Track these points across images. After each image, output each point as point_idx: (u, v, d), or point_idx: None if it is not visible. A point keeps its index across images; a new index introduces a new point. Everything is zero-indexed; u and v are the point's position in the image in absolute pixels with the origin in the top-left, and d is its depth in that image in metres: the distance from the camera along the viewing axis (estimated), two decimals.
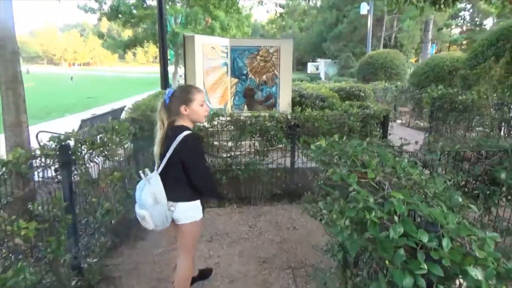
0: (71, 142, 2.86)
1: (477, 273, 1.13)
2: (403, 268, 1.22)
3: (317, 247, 3.36)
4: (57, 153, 2.67)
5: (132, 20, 18.18)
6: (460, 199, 1.45)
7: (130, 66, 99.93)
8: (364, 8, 21.00)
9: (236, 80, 6.59)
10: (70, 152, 2.74)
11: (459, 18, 40.36)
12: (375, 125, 4.65)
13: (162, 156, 2.29)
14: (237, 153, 4.59)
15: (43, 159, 2.60)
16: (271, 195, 4.71)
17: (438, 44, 33.37)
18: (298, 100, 7.80)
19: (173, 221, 2.37)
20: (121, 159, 4.06)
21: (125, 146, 3.96)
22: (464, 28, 41.07)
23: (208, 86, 6.19)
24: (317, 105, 6.83)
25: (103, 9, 17.57)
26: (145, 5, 17.75)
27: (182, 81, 16.95)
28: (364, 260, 1.54)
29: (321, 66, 29.98)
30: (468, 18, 40.83)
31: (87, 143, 3.05)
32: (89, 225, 3.32)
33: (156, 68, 8.95)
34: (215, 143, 4.60)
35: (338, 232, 1.46)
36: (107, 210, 3.19)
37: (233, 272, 3.13)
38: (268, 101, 6.63)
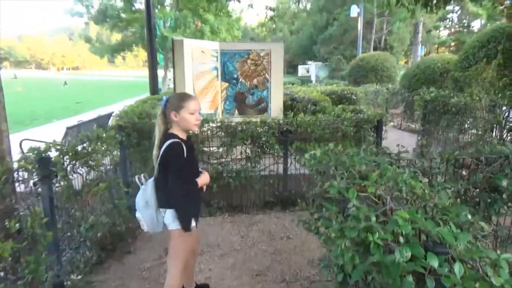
0: (53, 153, 2.72)
1: None
2: None
3: (313, 262, 3.24)
4: (37, 165, 2.52)
5: (120, 24, 17.98)
6: (469, 216, 1.34)
7: (120, 70, 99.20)
8: (354, 11, 21.05)
9: (227, 84, 6.47)
10: (50, 164, 2.58)
11: (447, 20, 40.78)
12: (369, 129, 4.56)
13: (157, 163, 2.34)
14: (228, 160, 4.46)
15: (21, 173, 2.44)
16: (264, 203, 4.59)
17: (427, 46, 33.67)
18: (290, 104, 7.71)
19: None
20: (108, 167, 3.91)
21: (111, 155, 3.81)
22: (452, 30, 41.51)
23: (198, 91, 6.05)
24: (309, 109, 6.73)
25: (90, 13, 17.32)
26: (133, 9, 17.55)
27: (171, 85, 16.78)
28: (368, 283, 1.41)
29: (311, 69, 29.96)
30: (456, 20, 41.28)
31: (70, 154, 2.89)
32: (72, 240, 3.15)
33: (147, 72, 8.83)
34: (205, 149, 4.47)
35: (338, 254, 1.34)
36: (91, 224, 3.03)
37: (226, 287, 2.99)
38: (260, 105, 6.52)
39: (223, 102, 6.38)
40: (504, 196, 2.47)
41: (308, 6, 41.27)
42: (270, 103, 6.50)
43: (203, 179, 2.44)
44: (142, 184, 2.43)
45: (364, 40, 22.43)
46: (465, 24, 39.67)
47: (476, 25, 39.03)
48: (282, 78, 6.80)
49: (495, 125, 5.68)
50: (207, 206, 4.42)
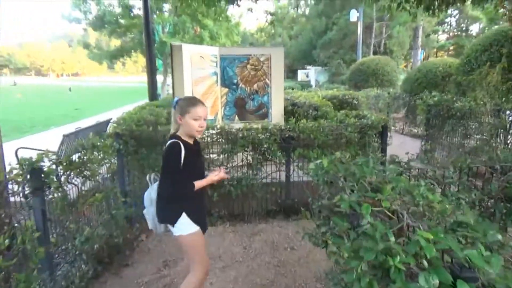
0: (46, 163, 2.59)
1: None
2: None
3: (319, 275, 3.11)
4: (28, 177, 2.39)
5: (119, 30, 17.89)
6: (500, 236, 1.22)
7: (120, 76, 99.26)
8: (353, 15, 21.00)
9: (227, 89, 6.36)
10: (42, 175, 2.46)
11: (446, 24, 40.81)
12: (374, 135, 4.43)
13: None
14: (229, 167, 4.33)
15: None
16: (266, 211, 4.45)
17: (425, 50, 33.64)
18: (291, 109, 7.59)
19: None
20: (105, 176, 3.78)
21: (108, 164, 3.68)
22: (451, 34, 41.53)
23: (197, 97, 5.93)
24: (311, 114, 6.62)
25: (88, 19, 17.23)
26: (131, 14, 17.47)
27: (171, 91, 16.68)
28: None
29: (311, 74, 29.88)
30: (454, 24, 41.33)
31: (64, 164, 2.77)
32: (67, 253, 3.02)
33: (146, 78, 8.76)
34: (205, 156, 4.34)
35: (354, 279, 1.21)
36: (86, 237, 2.90)
37: None
38: (260, 111, 6.41)
39: (223, 107, 6.27)
40: None
41: (307, 11, 41.33)
42: (270, 109, 6.39)
43: (202, 182, 2.38)
44: (151, 184, 2.48)
45: (363, 45, 22.38)
46: (464, 28, 39.72)
47: (474, 29, 39.12)
48: (283, 83, 6.69)
49: (500, 130, 5.57)
50: (207, 215, 4.28)
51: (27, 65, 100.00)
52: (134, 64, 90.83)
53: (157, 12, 16.89)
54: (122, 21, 17.36)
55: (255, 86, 6.37)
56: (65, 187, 2.84)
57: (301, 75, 30.99)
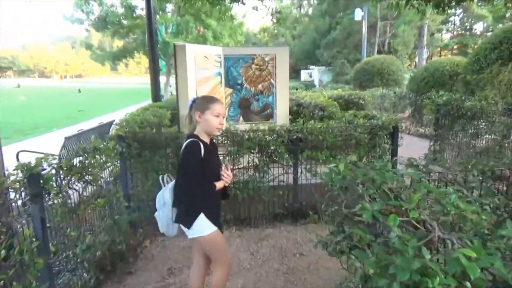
0: (46, 167, 2.47)
1: None
2: None
3: (330, 283, 2.97)
4: (26, 183, 2.28)
5: (121, 31, 17.80)
6: None
7: (123, 77, 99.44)
8: (358, 14, 20.83)
9: (231, 90, 6.25)
10: (41, 181, 2.34)
11: (450, 23, 40.53)
12: (384, 136, 4.29)
13: None
14: (235, 170, 4.19)
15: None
16: (273, 215, 4.31)
17: (429, 49, 33.40)
18: (296, 110, 7.47)
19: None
20: (108, 180, 3.67)
21: (111, 167, 3.57)
22: (454, 33, 41.25)
23: None
24: (317, 114, 6.49)
25: (90, 20, 17.14)
26: (134, 15, 17.37)
27: (174, 92, 16.58)
28: None
29: (314, 74, 29.73)
30: (458, 23, 41.03)
31: (64, 169, 2.65)
32: (68, 261, 2.90)
33: (149, 79, 8.71)
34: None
35: None
36: (88, 245, 2.78)
37: None
38: (265, 112, 6.28)
39: (227, 108, 6.15)
40: None
41: (310, 11, 41.15)
42: (275, 109, 6.27)
43: (220, 183, 2.35)
44: (164, 185, 2.42)
45: (368, 44, 22.21)
46: (468, 27, 39.41)
47: (478, 28, 38.81)
48: (288, 83, 6.56)
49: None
50: None
51: (31, 67, 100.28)
52: (137, 65, 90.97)
53: (160, 13, 16.79)
54: (124, 21, 17.28)
55: (259, 86, 6.26)
56: (65, 193, 2.72)
57: (304, 75, 30.85)
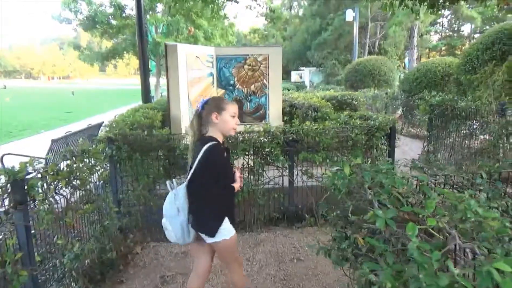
0: (31, 171, 2.33)
1: None
2: None
3: None
4: (9, 189, 2.13)
5: (111, 31, 17.52)
6: None
7: (111, 78, 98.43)
8: (349, 15, 20.85)
9: (223, 91, 6.13)
10: (25, 188, 2.19)
11: (438, 24, 40.96)
12: (381, 138, 4.21)
13: (190, 167, 2.23)
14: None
15: None
16: (269, 219, 4.20)
17: (418, 50, 33.69)
18: (289, 111, 7.39)
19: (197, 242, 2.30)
20: (97, 183, 3.52)
21: (100, 171, 3.42)
22: (442, 34, 41.70)
23: (193, 98, 5.69)
24: (310, 115, 6.41)
25: (79, 19, 16.82)
26: (123, 15, 17.11)
27: (164, 93, 16.38)
28: None
29: (305, 74, 29.73)
30: (446, 24, 41.48)
31: (50, 173, 2.50)
32: (55, 270, 2.75)
33: (138, 80, 8.58)
34: None
35: None
36: (76, 254, 2.63)
37: None
38: (258, 113, 6.18)
39: None
40: None
41: (300, 12, 41.19)
42: (268, 110, 6.17)
43: (237, 185, 2.35)
44: (172, 189, 2.27)
45: (358, 45, 22.25)
46: (455, 29, 39.88)
47: (466, 29, 39.29)
48: (281, 84, 6.46)
49: (508, 130, 5.39)
50: None
51: (17, 68, 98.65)
52: (126, 66, 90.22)
53: (150, 13, 16.57)
54: (113, 21, 17.00)
55: (252, 87, 6.16)
56: (52, 199, 2.57)
57: (294, 76, 30.82)
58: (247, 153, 4.04)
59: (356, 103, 8.24)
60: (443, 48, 38.32)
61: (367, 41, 26.66)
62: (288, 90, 14.05)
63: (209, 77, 5.96)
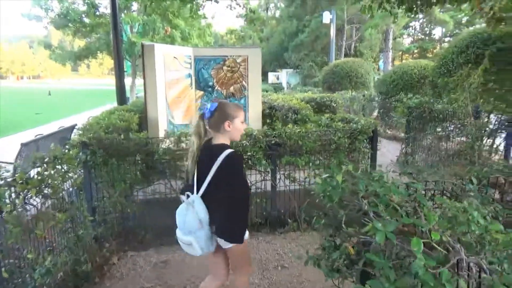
0: None
1: None
2: None
3: None
4: None
5: (84, 29, 17.00)
6: None
7: (84, 78, 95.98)
8: (326, 17, 21.02)
9: (202, 92, 6.02)
10: None
11: (410, 28, 41.98)
12: (364, 141, 4.19)
13: (201, 176, 2.14)
14: None
15: None
16: (251, 224, 4.10)
17: (392, 52, 34.44)
18: (269, 113, 7.31)
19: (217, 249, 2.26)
20: (71, 191, 3.33)
21: (74, 177, 3.23)
22: (414, 37, 42.77)
23: (170, 100, 5.55)
24: (290, 117, 6.35)
25: (50, 17, 16.22)
26: (97, 13, 16.62)
27: (140, 94, 16.00)
28: None
29: (282, 76, 29.83)
30: (418, 28, 42.57)
31: (19, 182, 2.32)
32: (25, 286, 2.55)
33: (111, 81, 8.30)
34: (183, 168, 3.95)
35: None
36: (48, 268, 2.45)
37: None
38: None
39: (198, 112, 5.89)
40: None
41: (277, 14, 41.35)
42: (248, 112, 6.08)
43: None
44: (188, 203, 2.15)
45: (335, 47, 22.49)
46: (427, 32, 40.99)
47: (437, 33, 40.46)
48: (260, 85, 6.39)
49: (484, 132, 5.51)
50: None
51: None
52: (100, 66, 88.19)
53: (125, 11, 16.17)
54: (87, 20, 16.50)
55: (231, 88, 6.07)
56: (21, 209, 2.39)
57: (271, 77, 30.91)
58: None
59: (335, 105, 8.26)
60: (415, 51, 39.31)
61: (343, 43, 27.00)
62: (266, 91, 13.99)
63: (187, 78, 5.83)
